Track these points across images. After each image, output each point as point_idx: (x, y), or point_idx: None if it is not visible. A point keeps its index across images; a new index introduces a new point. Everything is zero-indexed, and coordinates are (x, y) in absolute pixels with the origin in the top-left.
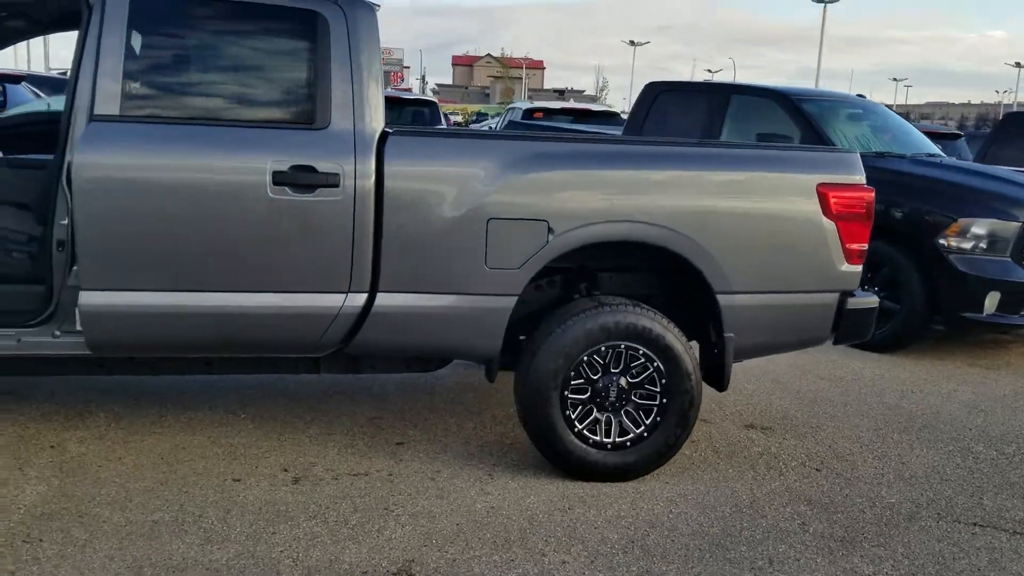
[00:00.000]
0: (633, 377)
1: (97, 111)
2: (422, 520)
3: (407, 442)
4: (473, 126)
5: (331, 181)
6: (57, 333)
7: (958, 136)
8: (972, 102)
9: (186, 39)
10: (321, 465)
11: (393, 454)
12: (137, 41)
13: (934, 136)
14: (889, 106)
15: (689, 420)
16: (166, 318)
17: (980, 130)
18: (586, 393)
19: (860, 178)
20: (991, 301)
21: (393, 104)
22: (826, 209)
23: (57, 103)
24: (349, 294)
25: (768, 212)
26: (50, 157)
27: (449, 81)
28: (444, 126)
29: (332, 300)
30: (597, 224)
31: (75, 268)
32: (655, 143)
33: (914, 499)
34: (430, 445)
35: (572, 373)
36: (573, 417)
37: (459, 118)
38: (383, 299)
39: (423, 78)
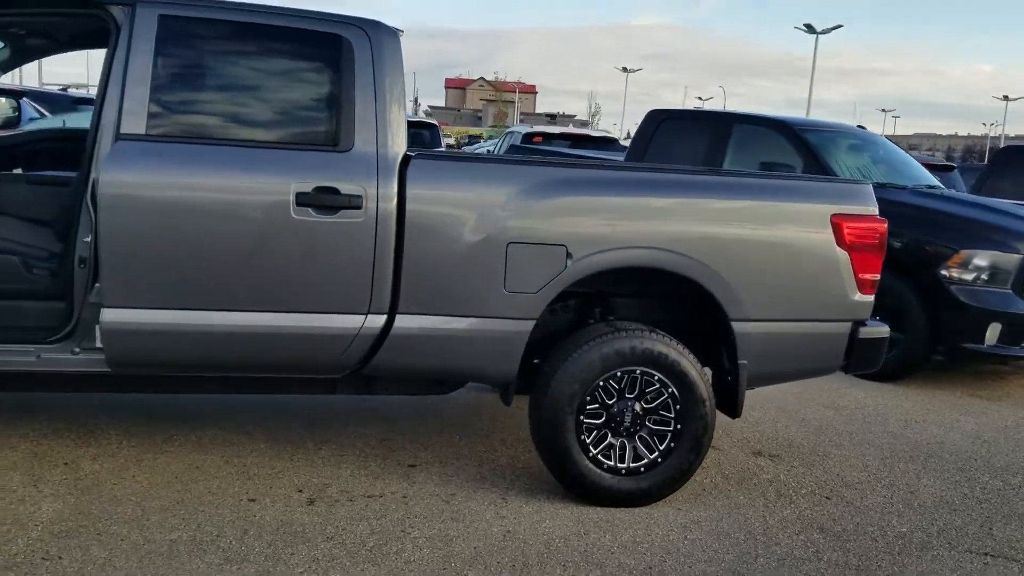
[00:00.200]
0: (648, 403)
1: (123, 130)
2: (439, 543)
3: (419, 464)
4: (465, 149)
5: (354, 203)
6: (76, 350)
7: (952, 168)
8: (959, 134)
9: (212, 61)
10: (335, 486)
11: (406, 476)
12: (164, 61)
13: (928, 168)
14: None
15: (703, 446)
16: (187, 337)
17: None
18: (601, 418)
19: (873, 209)
20: (992, 332)
21: None
22: (840, 239)
23: (72, 121)
24: (369, 315)
25: (783, 241)
26: (68, 174)
27: (442, 103)
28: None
29: (352, 321)
30: (615, 250)
31: (97, 285)
32: (674, 171)
33: (925, 528)
34: (442, 468)
35: (588, 398)
36: (588, 442)
37: (451, 140)
38: (402, 321)
39: (416, 100)
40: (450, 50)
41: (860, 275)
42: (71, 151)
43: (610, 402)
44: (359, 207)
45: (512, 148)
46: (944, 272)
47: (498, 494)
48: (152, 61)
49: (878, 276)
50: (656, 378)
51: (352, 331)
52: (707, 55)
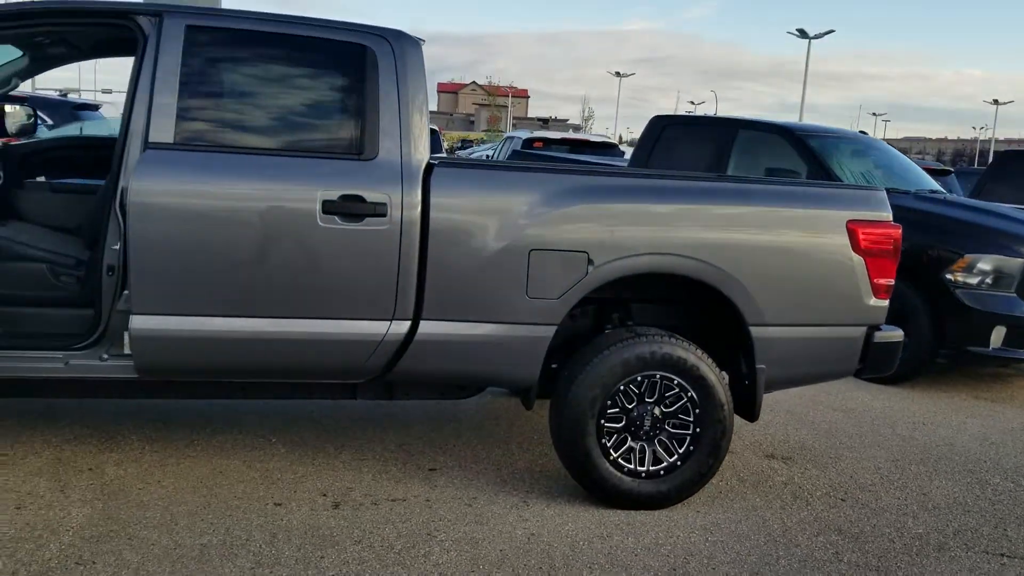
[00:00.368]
0: (667, 407)
1: (152, 139)
2: (465, 546)
3: (439, 468)
4: (459, 153)
5: (379, 211)
6: (105, 356)
7: (948, 172)
8: (949, 137)
9: (238, 70)
10: (358, 490)
11: (427, 480)
12: (191, 71)
13: (926, 171)
14: None
15: (721, 450)
16: (215, 343)
17: (956, 165)
18: (621, 422)
19: (888, 215)
20: (997, 335)
21: None
22: (855, 245)
23: (89, 128)
24: (393, 321)
25: (800, 247)
26: (91, 182)
27: (434, 108)
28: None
29: (377, 327)
30: (636, 256)
31: (125, 292)
32: (694, 178)
33: (940, 530)
34: (462, 471)
35: (608, 402)
36: (608, 445)
37: (445, 144)
38: (426, 327)
39: None
40: (442, 54)
41: (875, 280)
42: (89, 158)
43: (630, 406)
44: (384, 215)
45: (515, 154)
46: (949, 276)
47: (519, 497)
48: (179, 71)
49: (893, 281)
50: (675, 382)
51: (377, 337)
52: (698, 59)
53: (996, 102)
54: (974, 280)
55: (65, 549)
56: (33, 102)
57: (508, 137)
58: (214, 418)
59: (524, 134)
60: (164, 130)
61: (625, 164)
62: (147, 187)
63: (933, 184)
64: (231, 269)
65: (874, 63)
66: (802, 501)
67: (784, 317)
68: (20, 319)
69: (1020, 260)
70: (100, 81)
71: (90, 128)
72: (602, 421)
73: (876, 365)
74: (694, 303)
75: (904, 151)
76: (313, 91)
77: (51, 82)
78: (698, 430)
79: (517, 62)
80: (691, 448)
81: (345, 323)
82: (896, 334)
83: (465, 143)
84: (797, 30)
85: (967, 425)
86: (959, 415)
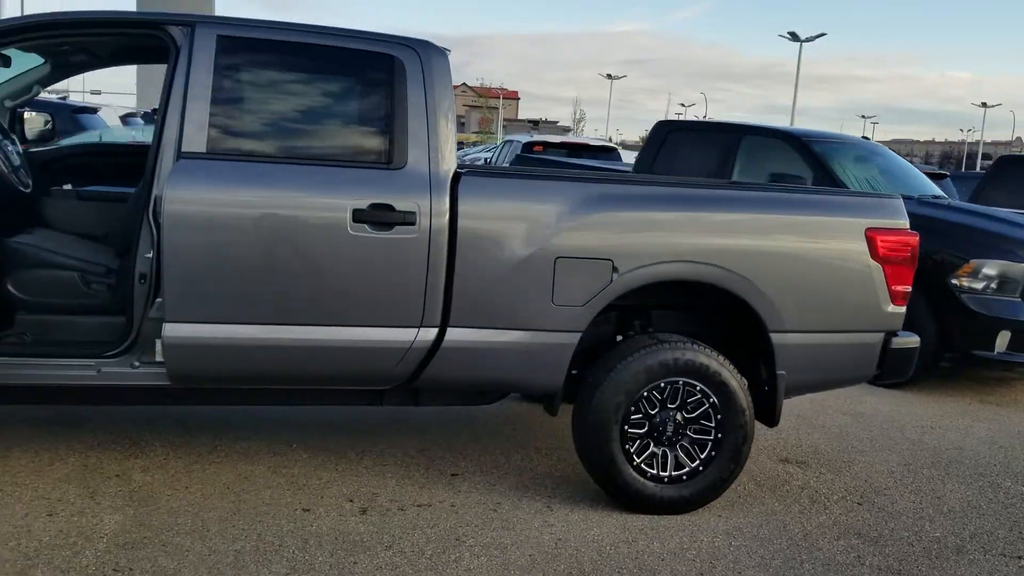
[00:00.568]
0: (689, 412)
1: (184, 148)
2: (495, 551)
3: (461, 473)
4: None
5: (408, 219)
6: (136, 364)
7: (944, 176)
8: (936, 140)
9: (269, 80)
10: (384, 496)
11: (450, 485)
12: (222, 81)
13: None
14: None
15: (742, 455)
16: (247, 351)
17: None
18: (644, 427)
19: (905, 223)
20: (1002, 340)
21: None
22: (873, 252)
23: (108, 135)
24: (421, 328)
25: (820, 255)
26: (116, 189)
27: None
28: None
29: (405, 334)
30: (660, 264)
31: (158, 300)
32: (716, 186)
33: (957, 533)
34: (484, 477)
35: (632, 408)
36: (632, 451)
37: None
38: (453, 334)
39: None
40: None
41: (893, 287)
42: (108, 165)
43: (653, 412)
44: (413, 223)
45: (518, 159)
46: (954, 281)
47: (543, 502)
48: (211, 81)
49: (910, 288)
50: (698, 389)
51: (405, 344)
52: (688, 61)
53: (984, 105)
54: (979, 285)
55: (101, 556)
56: (34, 105)
57: (507, 141)
58: (235, 424)
59: (524, 138)
60: (196, 140)
61: (622, 167)
62: (181, 196)
63: (936, 189)
64: (263, 277)
65: (863, 66)
66: (820, 505)
67: (804, 324)
68: (51, 327)
69: None
70: (89, 82)
71: (107, 136)
72: (626, 427)
73: (893, 371)
74: (714, 309)
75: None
76: (342, 101)
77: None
78: (720, 436)
79: (506, 63)
80: (713, 453)
81: (374, 330)
82: (912, 340)
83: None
84: (789, 33)
85: (974, 429)
86: (966, 419)
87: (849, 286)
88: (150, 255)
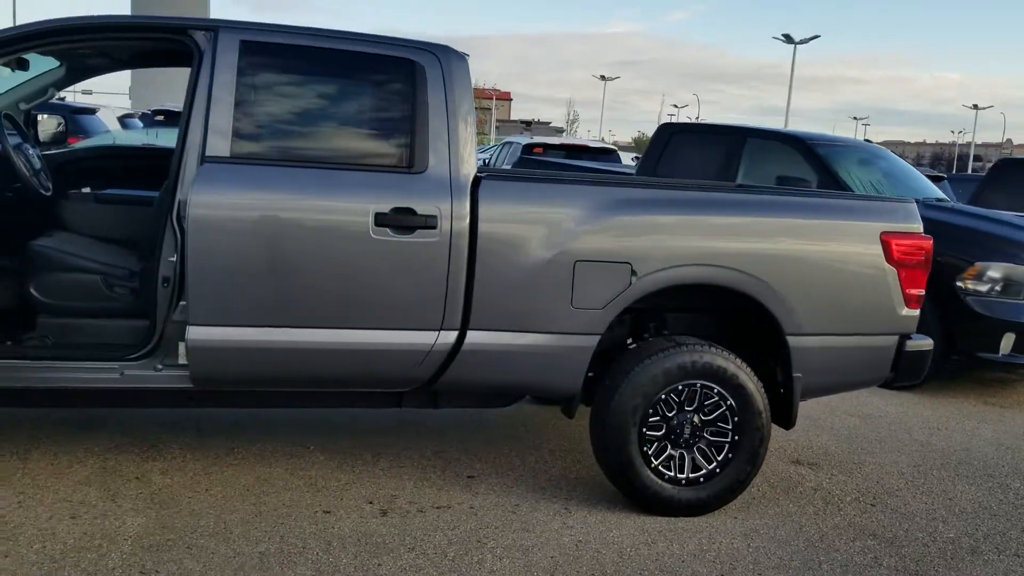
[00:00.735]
0: (706, 415)
1: (208, 152)
2: (517, 553)
3: (477, 476)
4: None
5: (429, 223)
6: (159, 366)
7: (942, 178)
8: (927, 141)
9: (292, 85)
10: (403, 497)
11: (468, 487)
12: (246, 85)
13: None
14: None
15: (759, 457)
16: (270, 353)
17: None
18: (662, 430)
19: (919, 227)
20: (1007, 342)
21: None
22: (888, 256)
23: (123, 137)
24: (441, 331)
25: (836, 258)
26: (134, 192)
27: None
28: None
29: (425, 337)
30: (678, 267)
31: (182, 303)
32: (734, 190)
33: (971, 534)
34: (500, 479)
35: (650, 411)
36: (650, 453)
37: None
38: (473, 337)
39: None
40: None
41: (907, 290)
42: (120, 168)
43: (670, 414)
44: (434, 227)
45: (521, 162)
46: (959, 284)
47: (560, 504)
48: (235, 85)
49: (923, 291)
50: (715, 391)
51: (426, 347)
52: (681, 63)
53: (976, 107)
54: (984, 287)
55: (127, 558)
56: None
57: (506, 143)
58: (249, 427)
59: (523, 140)
60: (221, 144)
61: (621, 169)
62: (205, 200)
63: (938, 192)
64: (286, 280)
65: (855, 67)
66: (833, 507)
67: (820, 326)
68: (72, 330)
69: None
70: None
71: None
72: (644, 429)
73: (907, 373)
74: (727, 312)
75: None
76: (363, 105)
77: None
78: (736, 437)
79: (499, 64)
80: (730, 456)
81: (396, 333)
82: (926, 343)
83: None
84: (783, 35)
85: (980, 430)
86: (971, 420)
87: (864, 289)
88: (173, 258)
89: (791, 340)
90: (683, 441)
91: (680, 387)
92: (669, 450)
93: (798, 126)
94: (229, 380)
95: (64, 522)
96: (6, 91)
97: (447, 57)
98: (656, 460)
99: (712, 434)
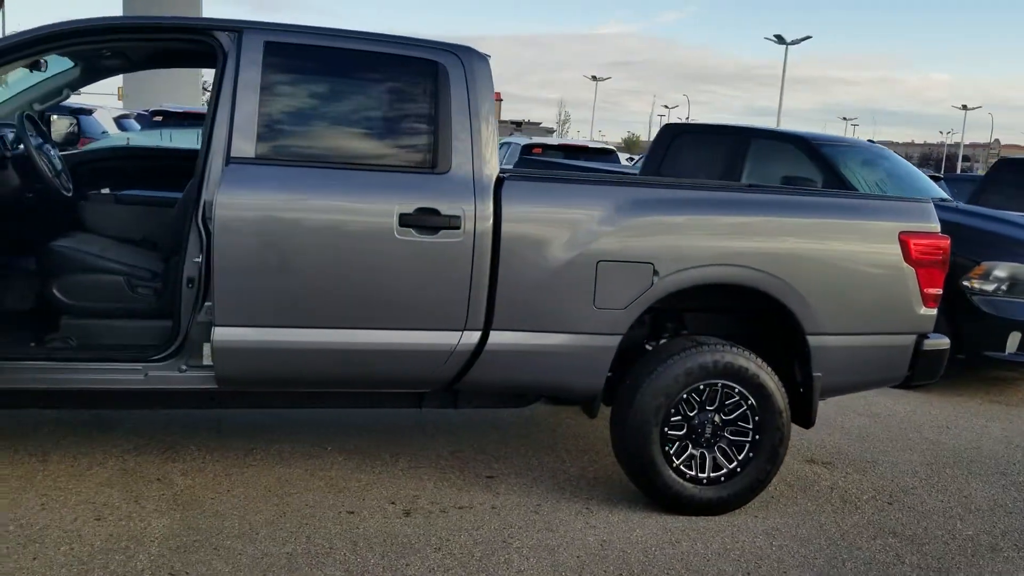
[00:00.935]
0: (727, 414)
1: (234, 153)
2: (543, 553)
3: (496, 476)
4: None
5: (453, 223)
6: (184, 367)
7: (938, 179)
8: (916, 141)
9: (316, 86)
10: (424, 498)
11: (488, 487)
12: (270, 86)
13: None
14: None
15: (779, 456)
16: (296, 354)
17: (924, 169)
18: (683, 430)
19: (936, 227)
20: (1013, 341)
21: None
22: (907, 255)
23: (136, 139)
24: (464, 332)
25: (855, 258)
26: (155, 194)
27: None
28: None
29: (449, 337)
30: (700, 268)
31: (207, 304)
32: (756, 190)
33: (989, 531)
34: (519, 479)
35: (672, 410)
36: (671, 453)
37: None
38: (496, 337)
39: None
40: None
41: (925, 290)
42: (135, 169)
43: (692, 414)
44: (458, 227)
45: (520, 162)
46: (966, 283)
47: (581, 504)
48: (259, 86)
49: (941, 291)
50: (736, 391)
51: (449, 347)
52: (672, 63)
53: (965, 107)
54: (990, 287)
55: (155, 560)
56: None
57: (504, 143)
58: (267, 427)
59: (522, 140)
60: (246, 145)
61: (621, 169)
62: (230, 201)
63: (941, 192)
64: (311, 281)
65: (845, 68)
66: (851, 505)
67: (839, 326)
68: (95, 331)
69: None
70: None
71: (145, 139)
72: (665, 429)
73: (924, 373)
74: (747, 312)
75: None
76: (387, 106)
77: None
78: (757, 437)
79: (495, 65)
80: (750, 455)
81: (419, 333)
82: (943, 342)
83: None
84: (775, 36)
85: (989, 429)
86: (979, 419)
87: (883, 289)
88: (198, 259)
89: (811, 339)
90: (704, 440)
91: (701, 387)
92: (690, 449)
93: (789, 126)
94: (254, 381)
95: (89, 524)
96: (21, 91)
97: (469, 58)
98: (677, 460)
99: (733, 433)
